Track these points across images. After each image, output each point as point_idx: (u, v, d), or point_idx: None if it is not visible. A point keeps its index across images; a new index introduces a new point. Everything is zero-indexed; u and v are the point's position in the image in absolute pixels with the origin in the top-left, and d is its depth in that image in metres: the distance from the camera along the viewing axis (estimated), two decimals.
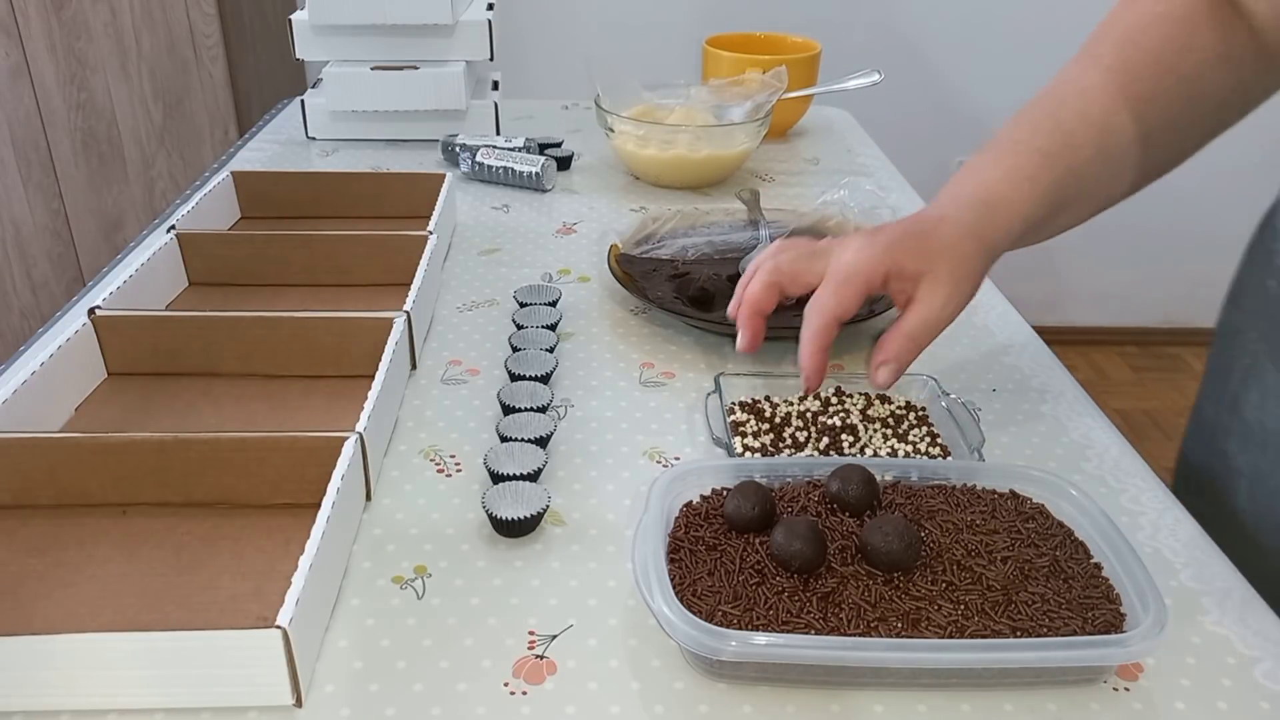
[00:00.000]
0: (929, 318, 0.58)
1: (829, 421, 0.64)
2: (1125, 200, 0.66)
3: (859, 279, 0.57)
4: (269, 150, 1.14)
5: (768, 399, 0.66)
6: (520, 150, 1.06)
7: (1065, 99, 0.63)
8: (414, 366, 0.71)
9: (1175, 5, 0.62)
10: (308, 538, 0.47)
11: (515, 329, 0.74)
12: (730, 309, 0.63)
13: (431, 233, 0.81)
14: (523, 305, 0.77)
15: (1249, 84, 0.63)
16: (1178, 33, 0.61)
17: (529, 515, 0.54)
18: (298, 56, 1.14)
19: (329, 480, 0.51)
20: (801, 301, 0.75)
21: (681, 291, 0.78)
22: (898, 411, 0.65)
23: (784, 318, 0.74)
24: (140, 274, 0.74)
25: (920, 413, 0.65)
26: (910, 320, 0.58)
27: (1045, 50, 1.29)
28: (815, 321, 0.58)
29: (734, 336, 0.75)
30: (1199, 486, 0.69)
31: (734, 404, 0.66)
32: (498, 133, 1.19)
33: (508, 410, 0.63)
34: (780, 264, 0.61)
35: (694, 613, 0.45)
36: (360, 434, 0.56)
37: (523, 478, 0.56)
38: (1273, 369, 0.64)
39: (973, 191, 0.61)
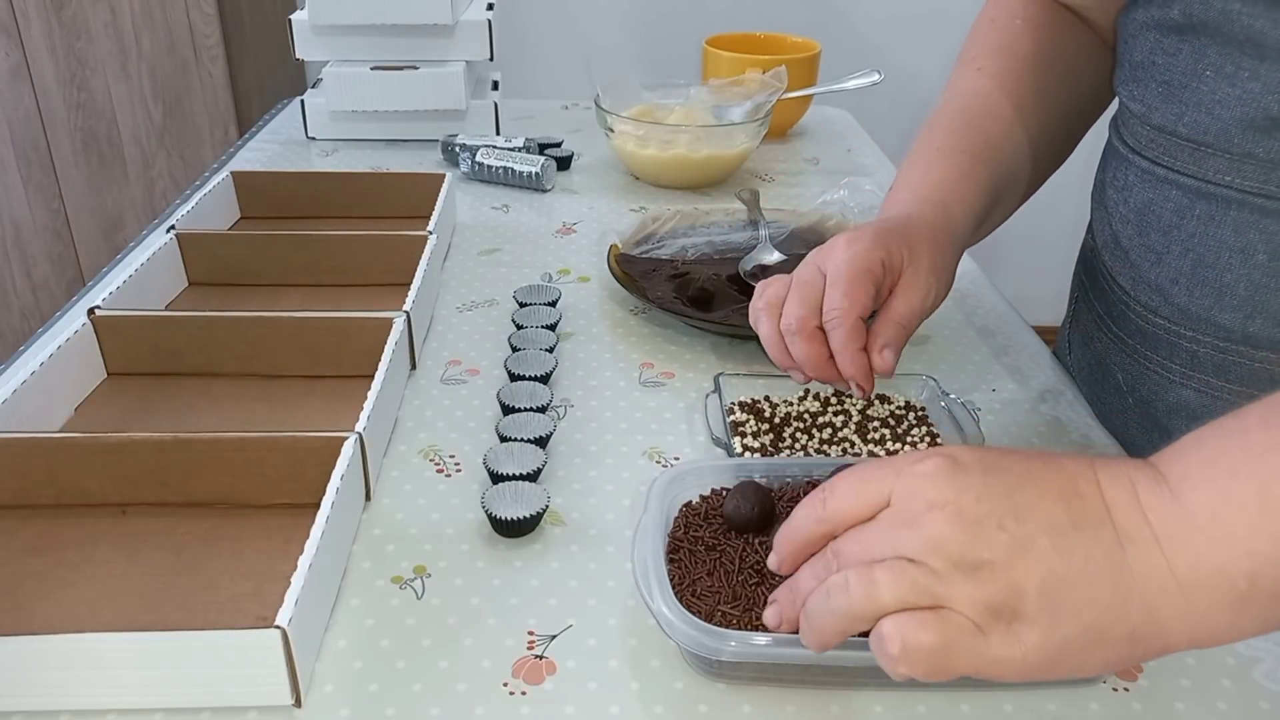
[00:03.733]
0: (915, 306, 0.58)
1: (829, 421, 0.64)
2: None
3: (863, 271, 0.57)
4: (269, 150, 1.14)
5: (767, 399, 0.66)
6: (520, 150, 1.06)
7: (969, 105, 0.68)
8: (414, 366, 0.71)
9: (1031, 15, 0.70)
10: (307, 538, 0.47)
11: (515, 329, 0.74)
12: (786, 364, 0.60)
13: (431, 233, 0.81)
14: (522, 305, 0.77)
15: (1111, 72, 0.69)
16: (1044, 38, 0.69)
17: (528, 515, 0.54)
18: (298, 56, 1.14)
19: (329, 480, 0.51)
20: None
21: (681, 291, 0.78)
22: (898, 411, 0.65)
23: None
24: (140, 274, 0.74)
25: (920, 413, 0.65)
26: (898, 308, 0.58)
27: None
28: (842, 327, 0.56)
29: (732, 337, 0.75)
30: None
31: (733, 404, 0.66)
32: (498, 133, 1.19)
33: (507, 410, 0.63)
34: (792, 313, 0.58)
35: (693, 613, 0.45)
36: (360, 434, 0.56)
37: (522, 478, 0.56)
38: (1086, 309, 0.74)
39: (925, 194, 0.63)
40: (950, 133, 0.67)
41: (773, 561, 0.44)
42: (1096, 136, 0.72)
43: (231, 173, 0.94)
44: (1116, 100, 0.67)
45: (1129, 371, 0.66)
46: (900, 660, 0.37)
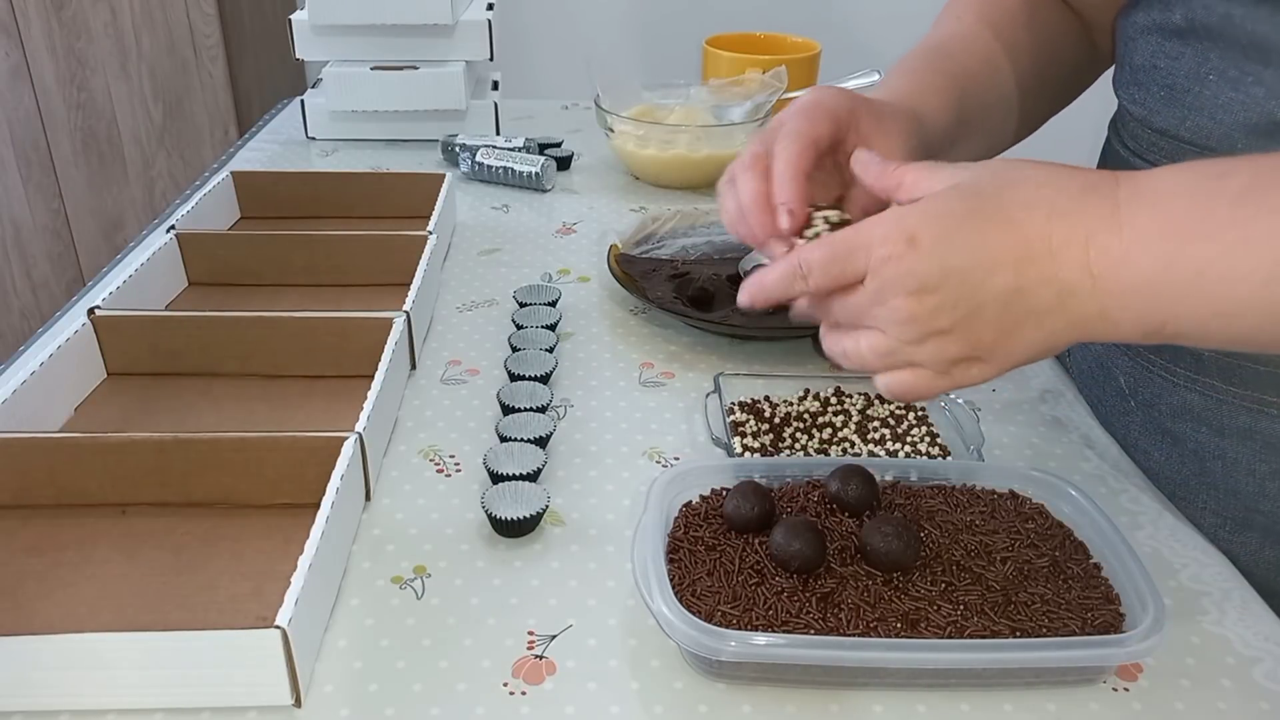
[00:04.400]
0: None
1: (829, 421, 0.64)
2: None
3: (825, 105, 0.54)
4: (269, 150, 1.14)
5: (767, 399, 0.66)
6: (520, 150, 1.06)
7: (948, 41, 0.68)
8: (414, 366, 0.71)
9: None
10: (307, 538, 0.47)
11: (515, 329, 0.74)
12: (732, 222, 0.55)
13: (431, 233, 0.81)
14: (522, 305, 0.77)
15: (1091, 54, 0.70)
16: (1026, 4, 0.69)
17: (528, 515, 0.54)
18: (298, 56, 1.14)
19: (328, 480, 0.51)
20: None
21: (681, 291, 0.78)
22: (897, 411, 0.65)
23: (783, 318, 0.74)
24: (140, 274, 0.74)
25: (920, 413, 0.65)
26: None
27: None
28: (792, 145, 0.52)
29: (732, 337, 0.75)
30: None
31: (733, 404, 0.66)
32: (498, 133, 1.19)
33: (507, 410, 0.63)
34: (749, 149, 0.55)
35: (693, 613, 0.45)
36: (360, 434, 0.56)
37: (522, 478, 0.56)
38: None
39: (892, 98, 0.61)
40: (926, 60, 0.65)
41: (742, 300, 0.51)
42: (1096, 137, 0.72)
43: (231, 173, 0.94)
44: (1116, 102, 0.67)
45: (1131, 374, 0.66)
46: (888, 397, 0.49)
